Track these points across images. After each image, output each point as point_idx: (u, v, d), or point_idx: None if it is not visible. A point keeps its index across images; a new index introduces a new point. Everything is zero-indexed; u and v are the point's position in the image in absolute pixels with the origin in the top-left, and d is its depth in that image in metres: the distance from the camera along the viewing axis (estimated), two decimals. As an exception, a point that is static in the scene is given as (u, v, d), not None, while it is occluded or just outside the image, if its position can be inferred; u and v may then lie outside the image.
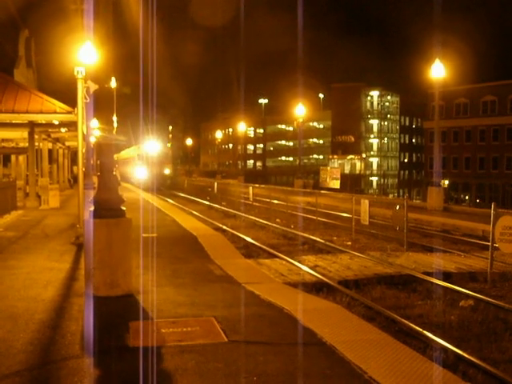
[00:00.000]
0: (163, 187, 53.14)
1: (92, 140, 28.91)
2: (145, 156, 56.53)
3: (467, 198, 74.57)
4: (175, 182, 62.89)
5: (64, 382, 5.44)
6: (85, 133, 18.24)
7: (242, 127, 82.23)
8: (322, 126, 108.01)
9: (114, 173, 9.86)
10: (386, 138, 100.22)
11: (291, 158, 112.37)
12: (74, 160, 56.02)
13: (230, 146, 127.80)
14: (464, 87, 73.94)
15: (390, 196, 75.99)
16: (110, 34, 9.37)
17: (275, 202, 30.92)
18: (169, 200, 36.91)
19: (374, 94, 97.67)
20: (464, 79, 71.09)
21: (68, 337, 6.78)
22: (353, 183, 76.03)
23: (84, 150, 17.79)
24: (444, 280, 12.03)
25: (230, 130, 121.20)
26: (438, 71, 30.15)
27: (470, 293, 11.05)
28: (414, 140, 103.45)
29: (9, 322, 7.43)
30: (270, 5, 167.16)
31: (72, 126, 25.55)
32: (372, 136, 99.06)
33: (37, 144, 30.98)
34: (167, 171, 58.98)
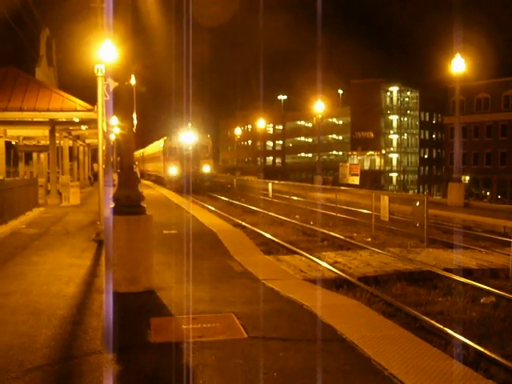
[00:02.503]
0: (200, 189, 43.44)
1: (112, 137, 29.12)
2: (177, 150, 46.35)
3: (488, 193, 73.76)
4: (216, 182, 50.91)
5: (86, 376, 5.49)
6: (105, 130, 18.36)
7: (261, 124, 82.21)
8: (341, 122, 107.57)
9: (134, 170, 9.93)
10: (405, 134, 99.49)
11: (310, 155, 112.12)
12: (94, 157, 56.39)
13: (249, 142, 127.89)
14: (485, 82, 73.11)
15: (410, 192, 75.47)
16: (130, 32, 9.43)
17: (294, 198, 30.90)
18: (190, 197, 36.95)
19: (394, 89, 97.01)
20: (485, 74, 70.30)
21: (89, 332, 6.85)
22: (372, 179, 75.73)
23: (104, 148, 17.92)
24: (465, 276, 11.95)
25: (249, 126, 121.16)
26: (458, 66, 29.87)
27: (492, 289, 10.95)
28: (434, 136, 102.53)
29: (32, 317, 7.52)
30: (288, 2, 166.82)
31: (92, 123, 25.76)
32: (391, 132, 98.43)
33: (58, 142, 31.28)
34: (207, 169, 47.04)
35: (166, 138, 49.29)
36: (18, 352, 6.14)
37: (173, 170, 45.85)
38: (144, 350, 6.29)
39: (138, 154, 76.97)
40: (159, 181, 52.82)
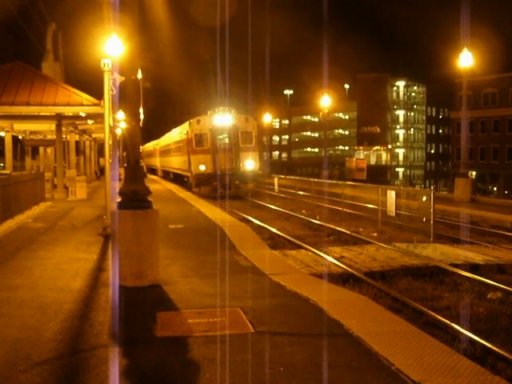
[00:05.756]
0: (242, 195, 32.59)
1: (118, 132, 29.12)
2: (208, 137, 32.99)
3: (495, 189, 73.48)
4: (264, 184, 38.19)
5: (93, 370, 5.51)
6: (111, 125, 18.37)
7: (268, 118, 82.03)
8: (347, 117, 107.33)
9: (141, 164, 9.93)
10: (412, 129, 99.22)
11: (317, 150, 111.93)
12: (100, 152, 56.50)
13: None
14: (492, 76, 72.69)
15: (417, 187, 75.22)
16: (136, 27, 9.41)
17: (300, 193, 30.86)
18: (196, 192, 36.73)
19: (400, 84, 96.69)
20: (492, 68, 69.89)
21: (96, 326, 6.87)
22: (379, 174, 75.57)
23: (110, 142, 17.93)
24: (471, 272, 11.90)
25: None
26: (465, 60, 29.68)
27: (499, 285, 10.90)
28: (440, 131, 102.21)
29: (39, 311, 7.55)
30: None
31: (98, 117, 25.78)
32: (398, 127, 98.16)
33: (64, 136, 31.35)
34: (250, 165, 33.12)
35: (191, 120, 35.07)
36: (25, 346, 6.17)
37: (201, 167, 32.93)
38: (150, 344, 6.30)
39: (151, 145, 73.46)
40: (180, 180, 40.89)
